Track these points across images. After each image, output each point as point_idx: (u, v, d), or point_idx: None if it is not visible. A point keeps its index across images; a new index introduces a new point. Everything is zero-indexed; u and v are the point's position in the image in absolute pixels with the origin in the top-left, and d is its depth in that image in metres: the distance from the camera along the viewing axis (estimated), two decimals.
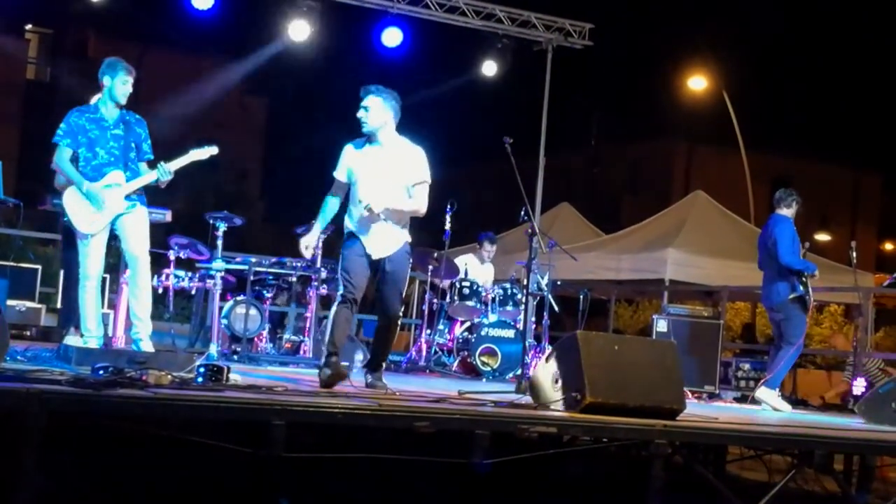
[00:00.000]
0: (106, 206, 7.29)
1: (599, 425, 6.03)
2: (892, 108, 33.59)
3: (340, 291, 7.12)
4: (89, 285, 7.39)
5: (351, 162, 7.19)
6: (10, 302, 10.55)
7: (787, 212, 9.63)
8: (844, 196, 37.10)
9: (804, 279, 9.38)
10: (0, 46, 29.61)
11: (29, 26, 34.08)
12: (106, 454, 5.79)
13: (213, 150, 7.69)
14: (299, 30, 13.59)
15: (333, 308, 7.18)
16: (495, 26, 14.44)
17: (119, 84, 7.36)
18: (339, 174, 7.25)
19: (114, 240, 7.59)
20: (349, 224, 7.25)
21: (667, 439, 5.96)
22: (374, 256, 7.14)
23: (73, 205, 7.34)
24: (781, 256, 9.41)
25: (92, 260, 7.39)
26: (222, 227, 9.33)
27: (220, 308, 9.95)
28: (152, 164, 7.55)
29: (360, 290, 7.14)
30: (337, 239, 8.32)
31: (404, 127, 7.30)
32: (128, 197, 7.41)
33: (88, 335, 7.37)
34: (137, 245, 7.46)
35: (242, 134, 34.74)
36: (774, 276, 9.53)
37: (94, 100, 7.64)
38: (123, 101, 7.42)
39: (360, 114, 7.08)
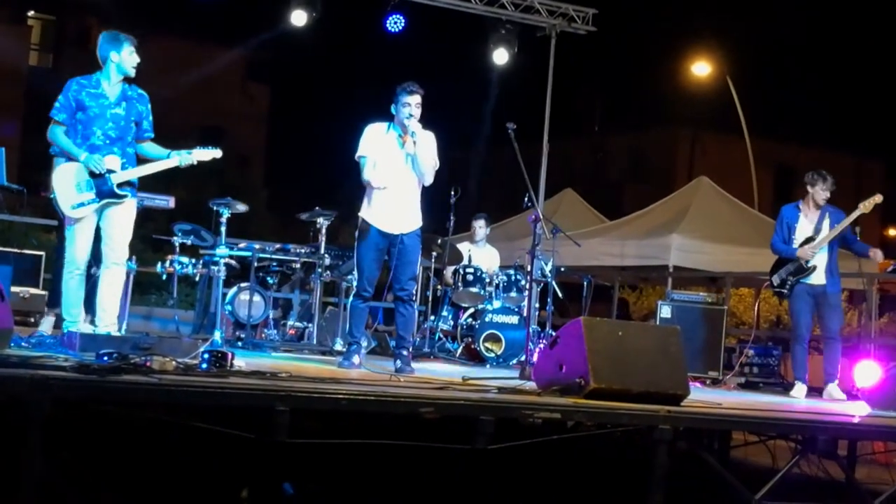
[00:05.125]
0: (107, 170, 6.97)
1: (603, 411, 6.02)
2: (895, 94, 33.51)
3: (355, 288, 7.80)
4: (75, 273, 7.12)
5: (379, 141, 7.66)
6: (13, 289, 10.53)
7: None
8: (847, 182, 37.03)
9: (788, 265, 9.42)
10: (2, 33, 29.58)
11: (31, 13, 34.05)
12: (109, 440, 5.80)
13: (216, 153, 7.48)
14: (298, 17, 13.65)
15: (349, 303, 7.89)
16: (498, 12, 14.41)
17: (127, 56, 7.10)
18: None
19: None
20: (365, 211, 7.69)
21: (671, 425, 5.95)
22: (391, 231, 7.61)
23: (62, 183, 7.04)
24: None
25: (78, 245, 7.09)
26: (226, 214, 9.29)
27: (224, 294, 9.95)
28: (154, 142, 7.40)
29: (373, 285, 7.74)
30: (340, 225, 8.40)
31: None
32: (121, 187, 7.11)
33: (70, 320, 7.16)
34: (119, 247, 7.19)
35: (245, 121, 34.76)
36: None
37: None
38: (133, 74, 7.15)
39: (414, 111, 7.54)
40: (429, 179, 7.72)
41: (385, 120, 7.73)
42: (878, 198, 9.47)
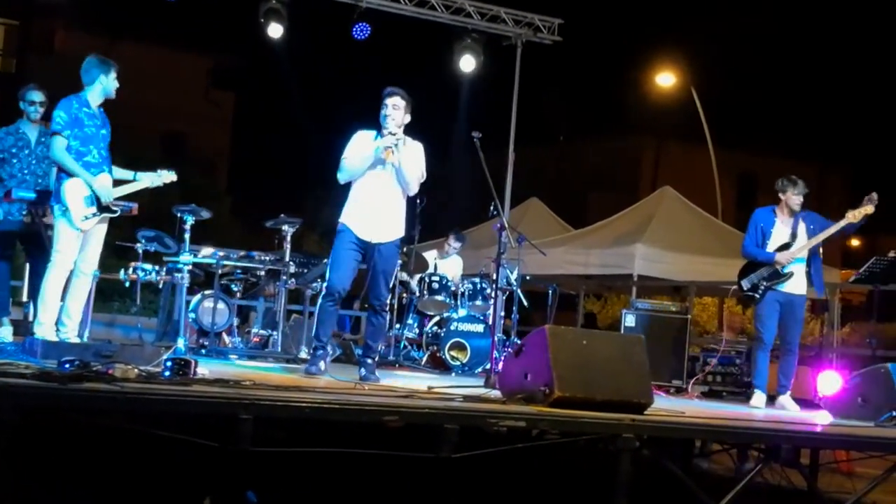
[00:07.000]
0: (108, 202, 7.43)
1: (567, 419, 6.03)
2: (856, 103, 33.92)
3: (325, 288, 7.59)
4: (65, 271, 7.34)
5: (364, 147, 7.58)
6: None
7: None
8: (810, 192, 37.23)
9: (762, 269, 9.25)
10: None
11: None
12: (72, 448, 5.74)
13: (173, 177, 8.05)
14: (274, 30, 13.62)
15: (318, 303, 7.69)
16: (464, 21, 14.43)
17: (112, 80, 7.48)
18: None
19: None
20: (345, 215, 7.62)
21: (634, 433, 5.97)
22: (368, 239, 7.54)
23: (73, 198, 7.31)
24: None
25: (74, 248, 7.35)
26: (190, 221, 9.24)
27: (188, 302, 9.89)
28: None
29: (345, 287, 7.57)
30: (305, 233, 8.38)
31: (374, 121, 7.67)
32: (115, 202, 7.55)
33: (39, 325, 7.28)
34: (92, 259, 7.58)
35: (209, 127, 34.55)
36: None
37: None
38: (114, 97, 7.53)
39: (391, 112, 7.48)
40: (413, 189, 7.68)
41: (371, 127, 7.69)
42: (870, 209, 8.96)
